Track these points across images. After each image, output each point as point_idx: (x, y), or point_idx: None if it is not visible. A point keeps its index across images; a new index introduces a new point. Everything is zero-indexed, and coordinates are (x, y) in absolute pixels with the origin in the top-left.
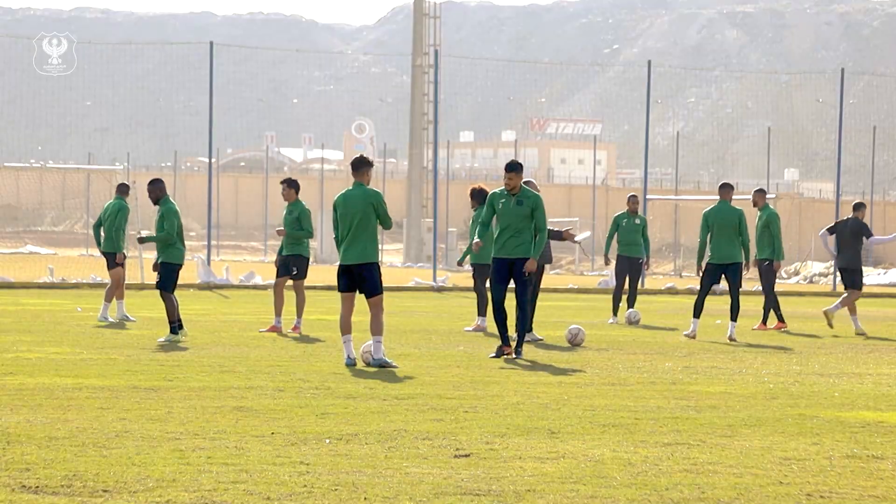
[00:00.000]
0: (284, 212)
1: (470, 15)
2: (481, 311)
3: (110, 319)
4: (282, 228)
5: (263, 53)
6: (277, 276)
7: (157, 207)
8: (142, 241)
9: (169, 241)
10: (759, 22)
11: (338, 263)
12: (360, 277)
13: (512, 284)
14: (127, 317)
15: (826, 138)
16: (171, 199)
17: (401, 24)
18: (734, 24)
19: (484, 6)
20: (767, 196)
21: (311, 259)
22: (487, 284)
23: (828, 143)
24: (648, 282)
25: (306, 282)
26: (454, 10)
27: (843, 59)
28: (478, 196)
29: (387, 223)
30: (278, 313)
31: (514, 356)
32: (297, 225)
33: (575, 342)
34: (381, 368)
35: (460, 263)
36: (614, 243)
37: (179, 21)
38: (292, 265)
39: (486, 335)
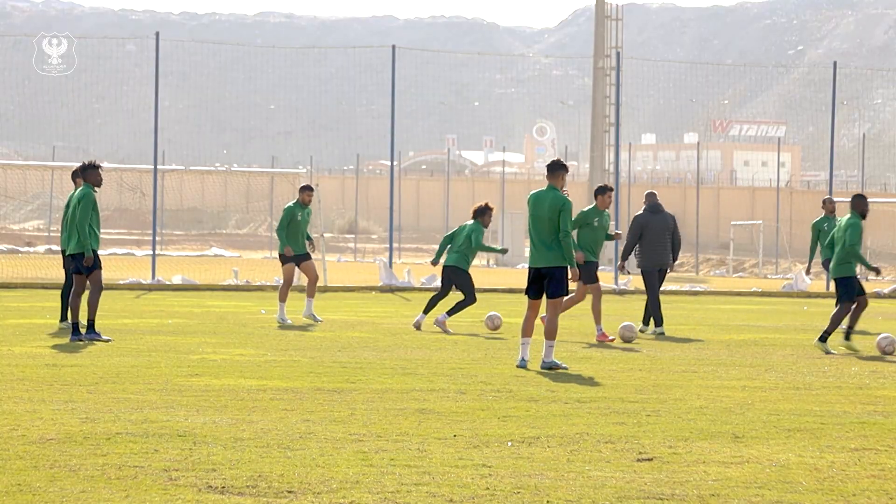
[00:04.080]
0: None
1: (652, 17)
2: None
3: (288, 321)
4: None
5: (445, 56)
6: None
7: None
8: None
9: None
10: None
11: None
12: (547, 279)
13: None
14: (314, 316)
15: None
16: None
17: (582, 26)
18: None
19: (667, 8)
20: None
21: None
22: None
23: None
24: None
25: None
26: (636, 12)
27: None
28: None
29: (563, 233)
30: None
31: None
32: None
33: (887, 351)
34: (550, 371)
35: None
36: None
37: (362, 25)
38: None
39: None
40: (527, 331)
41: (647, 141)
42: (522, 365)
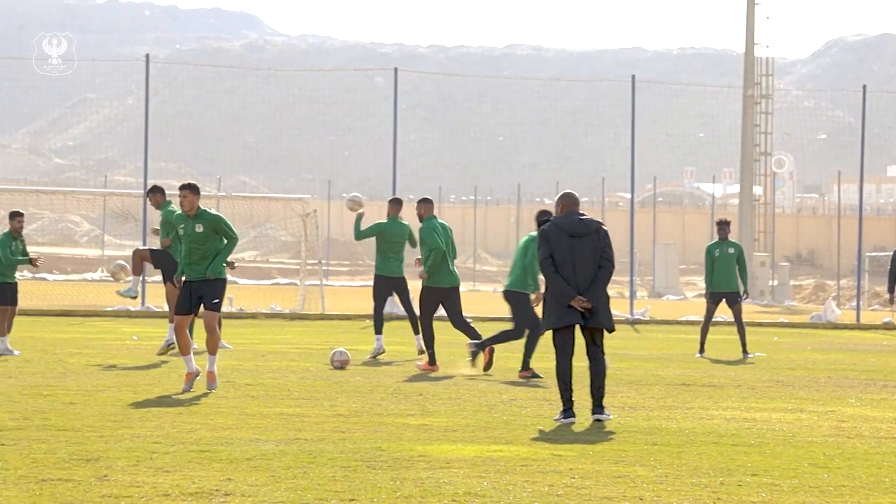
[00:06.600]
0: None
1: None
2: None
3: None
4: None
5: (692, 88)
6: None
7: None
8: None
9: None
10: None
11: None
12: None
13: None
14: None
15: None
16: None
17: (835, 57)
18: None
19: None
20: None
21: None
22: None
23: None
24: None
25: None
26: (891, 43)
27: None
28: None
29: None
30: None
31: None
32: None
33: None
34: None
35: None
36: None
37: (610, 56)
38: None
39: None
40: None
41: (892, 173)
42: None
